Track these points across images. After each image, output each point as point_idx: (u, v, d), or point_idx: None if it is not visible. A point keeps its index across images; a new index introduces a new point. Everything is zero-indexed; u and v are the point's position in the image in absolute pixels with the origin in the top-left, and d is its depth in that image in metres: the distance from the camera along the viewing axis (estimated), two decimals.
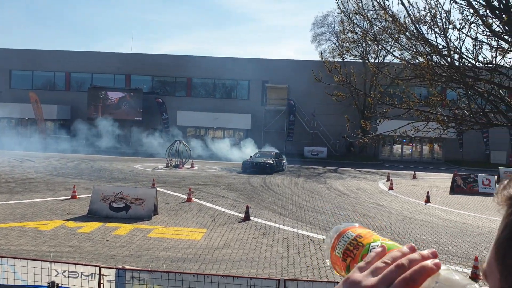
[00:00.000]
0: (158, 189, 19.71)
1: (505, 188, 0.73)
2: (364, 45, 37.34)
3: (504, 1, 6.66)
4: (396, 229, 16.17)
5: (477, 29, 6.64)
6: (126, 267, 7.45)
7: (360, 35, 7.64)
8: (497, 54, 6.68)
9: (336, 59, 45.58)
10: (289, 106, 47.06)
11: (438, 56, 6.85)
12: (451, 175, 29.47)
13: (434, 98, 6.88)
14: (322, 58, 46.42)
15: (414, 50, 7.28)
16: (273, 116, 46.79)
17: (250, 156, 32.77)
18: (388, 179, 29.73)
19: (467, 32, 6.50)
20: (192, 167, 33.08)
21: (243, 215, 16.76)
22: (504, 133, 40.80)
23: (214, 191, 22.50)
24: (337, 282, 0.90)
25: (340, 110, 37.78)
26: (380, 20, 7.49)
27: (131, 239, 13.55)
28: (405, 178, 32.64)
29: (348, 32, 8.12)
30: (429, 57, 6.77)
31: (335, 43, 46.49)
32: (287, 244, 13.69)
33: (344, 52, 44.63)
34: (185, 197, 20.07)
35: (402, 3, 6.95)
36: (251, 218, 16.59)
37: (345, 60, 44.43)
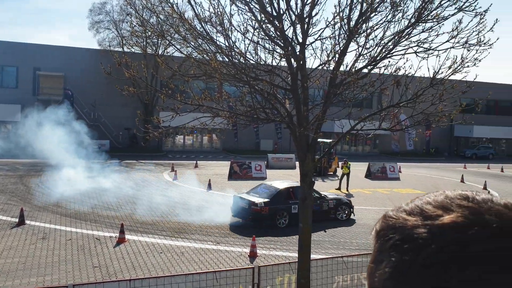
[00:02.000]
0: None
1: (376, 224, 0.78)
2: (145, 37, 37.22)
3: (276, 9, 7.52)
4: (181, 218, 16.74)
5: (258, 34, 7.36)
6: None
7: (148, 30, 7.62)
8: (274, 57, 7.56)
9: (116, 49, 44.19)
10: (66, 96, 43.66)
11: (223, 56, 7.33)
12: (228, 162, 31.89)
13: (220, 96, 7.37)
14: (101, 47, 44.43)
15: (201, 49, 7.64)
16: (48, 107, 42.75)
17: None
18: (173, 170, 30.44)
19: (250, 37, 7.15)
20: None
21: (16, 220, 15.00)
22: (270, 124, 46.08)
23: None
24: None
25: (122, 101, 36.84)
26: (168, 17, 7.60)
27: None
28: (188, 168, 33.90)
29: (135, 26, 7.99)
30: (215, 57, 7.19)
31: (114, 33, 44.95)
32: (71, 246, 12.86)
33: (126, 42, 43.69)
34: None
35: (189, 2, 7.20)
36: (27, 222, 14.97)
37: (125, 50, 43.43)
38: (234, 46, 7.30)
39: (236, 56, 7.30)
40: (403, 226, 0.72)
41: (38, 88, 43.77)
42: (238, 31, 7.16)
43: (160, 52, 40.07)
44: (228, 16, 7.47)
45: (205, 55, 7.54)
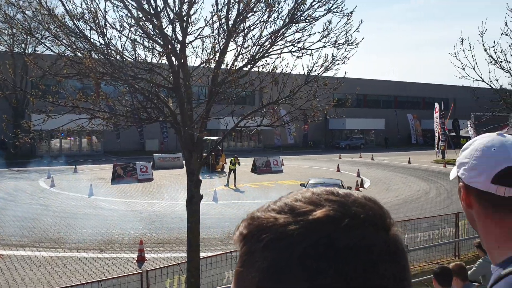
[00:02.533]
0: None
1: (237, 229, 0.77)
2: (12, 35, 33.99)
3: (154, 6, 7.36)
4: (61, 227, 15.69)
5: (136, 31, 7.13)
6: None
7: (14, 27, 6.95)
8: (153, 55, 7.39)
9: None
10: None
11: (99, 54, 6.98)
12: (111, 165, 30.54)
13: (97, 96, 7.01)
14: None
15: (74, 47, 7.19)
16: None
17: None
18: (49, 176, 28.31)
19: (127, 34, 6.90)
20: None
21: None
22: (155, 124, 45.00)
23: None
24: None
25: None
26: (36, 13, 7.02)
27: None
28: (66, 174, 31.79)
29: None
30: (90, 55, 6.82)
31: None
32: None
33: None
34: None
35: None
36: None
37: None
38: (110, 44, 7.00)
39: (113, 54, 7.00)
40: (274, 225, 0.72)
41: None
42: (114, 28, 6.88)
43: (29, 51, 36.93)
44: (102, 13, 7.15)
45: (78, 53, 7.11)
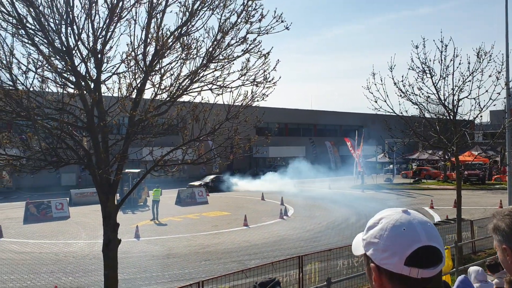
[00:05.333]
0: None
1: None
2: None
3: (65, 44, 7.03)
4: None
5: (44, 69, 6.75)
6: None
7: None
8: (64, 94, 7.01)
9: None
10: None
11: (3, 94, 6.49)
12: (23, 203, 28.47)
13: (1, 139, 6.48)
14: None
15: None
16: None
17: None
18: None
19: (35, 71, 6.50)
20: None
21: None
22: None
23: None
24: None
25: None
26: None
27: None
28: None
29: None
30: None
31: None
32: None
33: None
34: None
35: None
36: None
37: None
38: (17, 81, 6.56)
39: (19, 94, 6.56)
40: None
41: None
42: (21, 65, 6.47)
43: None
44: (9, 49, 6.72)
45: None
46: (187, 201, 32.36)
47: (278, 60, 7.66)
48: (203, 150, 8.54)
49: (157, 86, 7.23)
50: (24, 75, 6.71)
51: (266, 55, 7.53)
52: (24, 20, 6.64)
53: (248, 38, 7.40)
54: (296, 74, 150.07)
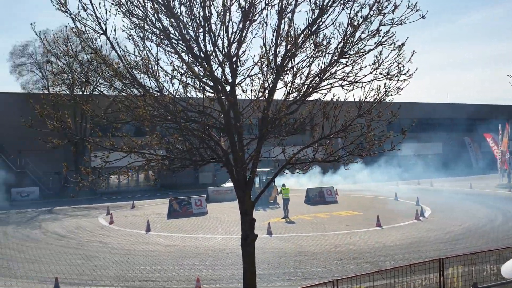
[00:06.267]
0: None
1: None
2: (71, 78, 35.83)
3: (203, 50, 7.52)
4: (120, 265, 15.98)
5: (187, 75, 7.30)
6: None
7: (72, 76, 7.36)
8: (205, 98, 7.52)
9: (41, 91, 42.40)
10: None
11: (152, 99, 7.17)
12: (167, 200, 31.10)
13: (151, 140, 7.18)
14: (25, 90, 42.48)
15: (128, 92, 7.44)
16: None
17: None
18: (108, 213, 29.18)
19: (180, 79, 7.08)
20: None
21: None
22: None
23: None
24: None
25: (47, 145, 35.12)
26: (92, 61, 7.38)
27: None
28: (124, 210, 32.67)
29: (57, 73, 7.67)
30: (144, 101, 7.03)
31: (38, 75, 43.18)
32: None
33: (51, 84, 42.03)
34: None
35: (114, 48, 7.03)
36: None
37: (50, 92, 41.69)
38: (164, 89, 7.19)
39: (166, 99, 7.18)
40: None
41: None
42: (166, 73, 7.07)
43: (86, 93, 38.92)
44: (154, 59, 7.38)
45: (132, 98, 7.35)
46: (316, 199, 32.40)
47: (414, 51, 7.29)
48: (333, 148, 8.45)
49: (289, 85, 7.35)
50: (169, 82, 7.31)
51: (401, 46, 7.21)
52: (167, 30, 7.24)
53: (381, 30, 7.16)
54: (430, 64, 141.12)
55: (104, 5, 6.81)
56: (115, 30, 6.99)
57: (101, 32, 7.04)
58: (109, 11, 6.88)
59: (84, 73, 8.78)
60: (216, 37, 7.43)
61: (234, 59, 7.53)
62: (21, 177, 42.38)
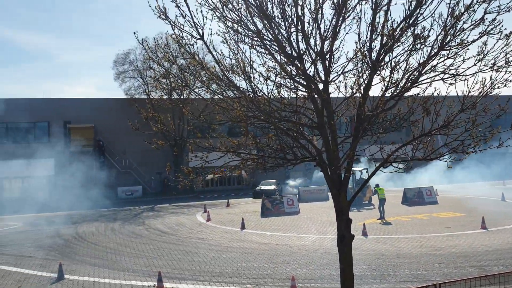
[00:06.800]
0: None
1: None
2: (170, 88, 37.88)
3: (296, 49, 7.54)
4: (217, 261, 16.54)
5: (280, 75, 7.38)
6: None
7: (172, 81, 7.81)
8: (297, 96, 7.54)
9: (142, 96, 45.31)
10: (97, 146, 44.86)
11: (247, 100, 7.34)
12: (259, 199, 31.65)
13: (245, 140, 7.36)
14: (128, 95, 45.67)
15: (224, 95, 7.69)
16: (79, 159, 43.75)
17: None
18: (205, 211, 30.39)
19: (274, 79, 7.19)
20: None
21: (55, 275, 15.09)
22: None
23: (17, 252, 19.77)
24: None
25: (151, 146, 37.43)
26: (189, 65, 7.73)
27: None
28: (220, 208, 33.81)
29: (158, 77, 8.14)
30: (239, 102, 7.22)
31: (139, 81, 46.20)
32: None
33: (152, 89, 44.79)
34: None
35: (210, 52, 7.31)
36: (66, 276, 15.04)
37: (151, 97, 44.39)
38: (257, 90, 7.32)
39: (261, 100, 7.30)
40: None
41: (69, 140, 45.01)
42: (260, 75, 7.19)
43: (184, 96, 40.81)
44: (249, 60, 7.53)
45: (228, 100, 7.57)
46: (414, 200, 31.01)
47: None
48: (433, 146, 8.01)
49: (386, 80, 7.11)
50: (263, 83, 7.43)
51: (509, 35, 6.66)
52: (261, 32, 7.37)
53: (486, 19, 6.67)
54: None
55: (201, 11, 7.10)
56: (211, 34, 7.26)
57: (199, 37, 7.33)
58: (206, 17, 7.16)
59: (183, 77, 9.23)
60: (309, 35, 7.41)
61: (327, 56, 7.45)
62: (126, 176, 45.65)
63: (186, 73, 8.14)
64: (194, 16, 7.18)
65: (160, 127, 7.17)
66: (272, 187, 39.87)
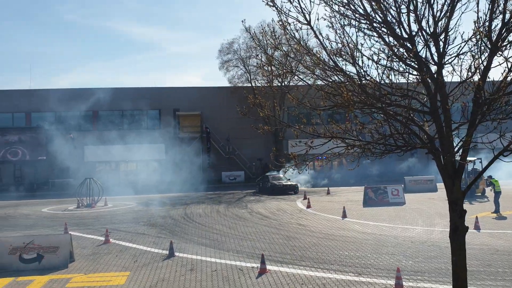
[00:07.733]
0: (71, 233, 18.44)
1: None
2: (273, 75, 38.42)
3: (408, 31, 7.20)
4: (319, 247, 16.55)
5: (390, 58, 7.10)
6: None
7: (276, 68, 7.94)
8: (408, 80, 7.21)
9: (245, 85, 46.54)
10: (204, 132, 47.10)
11: (354, 85, 7.18)
12: (362, 188, 30.99)
13: (350, 125, 7.23)
14: (232, 84, 47.17)
15: (330, 80, 7.59)
16: (188, 144, 46.26)
17: None
18: (305, 198, 30.51)
19: (384, 63, 6.95)
20: (105, 205, 31.47)
21: (167, 252, 16.18)
22: None
23: (133, 229, 21.54)
24: None
25: (253, 133, 38.39)
26: (296, 53, 7.75)
27: None
28: (320, 195, 33.73)
29: (264, 66, 8.27)
30: (345, 87, 7.08)
31: (242, 69, 47.43)
32: (216, 277, 13.42)
33: (254, 78, 45.82)
34: (102, 239, 18.96)
35: (317, 37, 7.25)
36: (176, 254, 16.07)
37: (253, 85, 45.48)
38: (366, 74, 7.13)
39: (369, 84, 7.11)
40: None
41: (178, 127, 47.73)
42: (369, 58, 6.99)
43: (285, 83, 41.11)
44: (355, 44, 7.35)
45: (333, 86, 7.46)
46: None
47: None
48: None
49: (510, 61, 6.52)
50: (370, 67, 7.22)
51: None
52: (370, 15, 7.14)
53: None
54: None
55: None
56: (317, 19, 7.20)
57: (305, 22, 7.31)
58: (312, 1, 7.10)
59: (289, 63, 9.28)
60: (422, 16, 7.03)
61: (441, 37, 7.02)
62: (229, 162, 47.38)
63: (292, 59, 8.17)
64: (301, 1, 7.17)
65: (267, 113, 7.31)
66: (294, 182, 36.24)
